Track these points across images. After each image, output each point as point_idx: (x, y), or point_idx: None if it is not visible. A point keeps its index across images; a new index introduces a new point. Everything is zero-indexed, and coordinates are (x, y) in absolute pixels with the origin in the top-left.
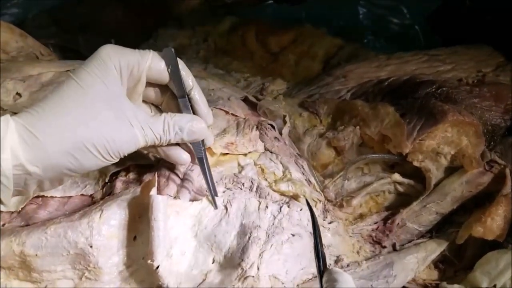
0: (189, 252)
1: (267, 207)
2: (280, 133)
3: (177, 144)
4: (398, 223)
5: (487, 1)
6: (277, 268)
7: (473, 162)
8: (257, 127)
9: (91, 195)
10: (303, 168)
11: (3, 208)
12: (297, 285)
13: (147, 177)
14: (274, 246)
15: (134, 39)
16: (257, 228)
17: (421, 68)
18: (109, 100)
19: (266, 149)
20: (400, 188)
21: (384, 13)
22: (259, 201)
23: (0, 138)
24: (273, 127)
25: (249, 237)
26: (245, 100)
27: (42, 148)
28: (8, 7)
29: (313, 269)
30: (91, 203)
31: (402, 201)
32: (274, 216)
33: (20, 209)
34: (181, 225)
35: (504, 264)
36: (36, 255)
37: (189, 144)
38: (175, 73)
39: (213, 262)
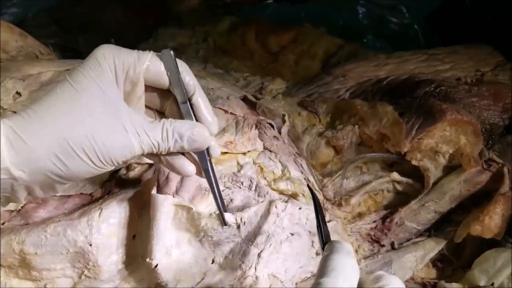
0: (189, 251)
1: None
2: (279, 132)
3: (182, 153)
4: (397, 222)
5: (487, 1)
6: (276, 267)
7: (471, 161)
8: (256, 126)
9: (90, 193)
10: (302, 167)
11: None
12: (296, 284)
13: (147, 176)
14: (273, 245)
15: (134, 39)
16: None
17: (420, 67)
18: (103, 103)
19: (265, 148)
20: (399, 187)
21: (384, 12)
22: (258, 200)
23: None
24: (272, 126)
25: (250, 238)
26: (244, 99)
27: (28, 151)
28: (8, 6)
29: (312, 268)
30: (90, 202)
31: (401, 200)
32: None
33: (19, 208)
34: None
35: (502, 263)
36: (36, 253)
37: (193, 154)
38: (174, 77)
39: (212, 262)
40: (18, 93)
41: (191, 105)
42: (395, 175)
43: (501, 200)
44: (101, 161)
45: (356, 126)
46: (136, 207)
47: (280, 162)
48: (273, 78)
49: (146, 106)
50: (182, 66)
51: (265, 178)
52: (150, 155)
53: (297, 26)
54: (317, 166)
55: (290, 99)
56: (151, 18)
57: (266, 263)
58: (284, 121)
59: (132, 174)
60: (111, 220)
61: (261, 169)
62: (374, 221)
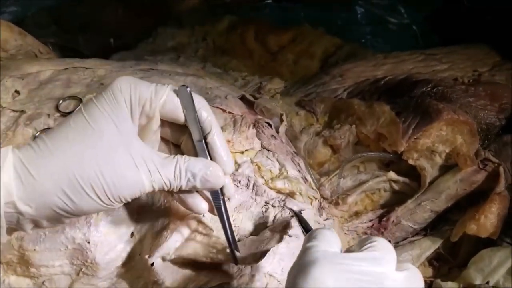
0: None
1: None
2: (277, 131)
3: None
4: (393, 221)
5: (486, 1)
6: (273, 267)
7: (468, 161)
8: (254, 125)
9: None
10: (300, 166)
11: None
12: None
13: None
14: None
15: (134, 38)
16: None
17: (417, 67)
18: (116, 139)
19: (262, 147)
20: (395, 186)
21: (382, 13)
22: (256, 199)
23: None
24: (270, 125)
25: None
26: (242, 98)
27: (36, 187)
28: (8, 5)
29: None
30: None
31: (397, 199)
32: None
33: None
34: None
35: (497, 262)
36: (35, 249)
37: (206, 192)
38: (190, 114)
39: None
40: (17, 92)
41: (207, 143)
42: (392, 175)
43: (496, 199)
44: (109, 199)
45: (354, 126)
46: (136, 205)
47: (277, 161)
48: (272, 77)
49: (162, 138)
50: (201, 102)
51: (262, 177)
52: (162, 190)
53: (296, 26)
54: (314, 165)
55: (288, 99)
56: (150, 17)
57: (262, 262)
58: (282, 121)
59: None
60: (109, 218)
61: (259, 168)
62: (371, 220)
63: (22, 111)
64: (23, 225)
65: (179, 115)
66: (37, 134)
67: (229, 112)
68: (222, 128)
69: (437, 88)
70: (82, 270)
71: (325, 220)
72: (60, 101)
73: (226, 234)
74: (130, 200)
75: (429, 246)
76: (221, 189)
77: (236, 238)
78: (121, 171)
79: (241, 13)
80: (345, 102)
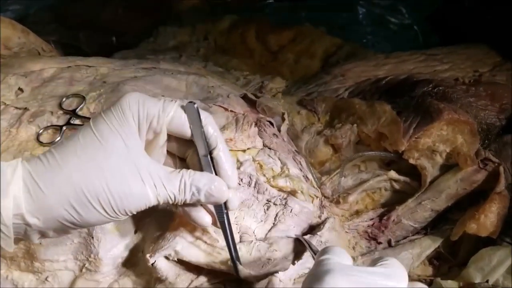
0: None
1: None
2: (279, 130)
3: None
4: (394, 220)
5: (486, 1)
6: None
7: (468, 160)
8: (255, 124)
9: None
10: (301, 165)
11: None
12: (294, 279)
13: None
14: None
15: (135, 37)
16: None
17: (418, 67)
18: (124, 155)
19: (264, 145)
20: (396, 185)
21: (383, 13)
22: (257, 197)
23: (5, 184)
24: (271, 124)
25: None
26: (244, 97)
27: (44, 200)
28: (10, 3)
29: (309, 264)
30: None
31: (398, 198)
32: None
33: None
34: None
35: (497, 261)
36: (40, 243)
37: (210, 205)
38: (197, 130)
39: None
40: (20, 89)
41: (212, 158)
42: (393, 174)
43: (496, 199)
44: (115, 211)
45: (355, 125)
46: None
47: (279, 159)
48: (273, 77)
49: (168, 152)
50: (207, 118)
51: (264, 175)
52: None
53: (297, 26)
54: (315, 164)
55: (289, 98)
56: (151, 16)
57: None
58: (283, 119)
59: None
60: None
61: (261, 166)
62: (372, 219)
63: (26, 109)
64: (30, 235)
65: (186, 130)
66: (41, 136)
67: (231, 111)
68: (224, 126)
69: (438, 88)
70: (86, 265)
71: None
72: (63, 99)
73: (228, 247)
74: (135, 213)
75: (429, 245)
76: (225, 203)
77: (239, 235)
78: (128, 185)
79: (242, 12)
80: (346, 101)
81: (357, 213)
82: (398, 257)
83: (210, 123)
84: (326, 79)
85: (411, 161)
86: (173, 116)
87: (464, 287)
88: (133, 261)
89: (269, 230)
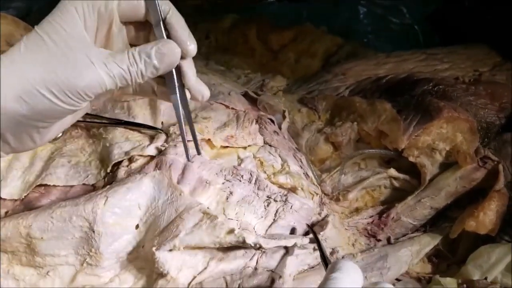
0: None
1: (266, 200)
2: (280, 128)
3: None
4: (393, 217)
5: (486, 1)
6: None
7: (468, 158)
8: (256, 121)
9: (93, 184)
10: (301, 162)
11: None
12: (294, 276)
13: (149, 167)
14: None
15: None
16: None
17: (419, 66)
18: (69, 44)
19: (265, 142)
20: (396, 183)
21: (384, 13)
22: (258, 194)
23: None
24: (272, 121)
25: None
26: (245, 95)
27: None
28: (13, 1)
29: (309, 261)
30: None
31: (398, 195)
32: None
33: (23, 197)
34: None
35: (495, 258)
36: (42, 238)
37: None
38: (148, 3)
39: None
40: None
41: (166, 25)
42: (392, 171)
43: (496, 196)
44: (67, 95)
45: (355, 123)
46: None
47: (279, 156)
48: (274, 75)
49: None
50: None
51: (265, 172)
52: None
53: (298, 25)
54: (316, 161)
55: (290, 96)
56: None
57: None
58: (284, 117)
59: (135, 165)
60: (115, 209)
61: (261, 163)
62: (371, 216)
63: None
64: None
65: (138, 8)
66: None
67: (232, 108)
68: (225, 123)
69: (438, 87)
70: (87, 260)
71: (326, 216)
72: None
73: (180, 128)
74: (92, 97)
75: (428, 242)
76: (179, 76)
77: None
78: (75, 67)
79: (243, 11)
80: (346, 99)
81: (357, 210)
82: (397, 254)
83: None
84: (327, 77)
85: (411, 159)
86: None
87: (463, 284)
88: (134, 256)
89: (269, 226)
